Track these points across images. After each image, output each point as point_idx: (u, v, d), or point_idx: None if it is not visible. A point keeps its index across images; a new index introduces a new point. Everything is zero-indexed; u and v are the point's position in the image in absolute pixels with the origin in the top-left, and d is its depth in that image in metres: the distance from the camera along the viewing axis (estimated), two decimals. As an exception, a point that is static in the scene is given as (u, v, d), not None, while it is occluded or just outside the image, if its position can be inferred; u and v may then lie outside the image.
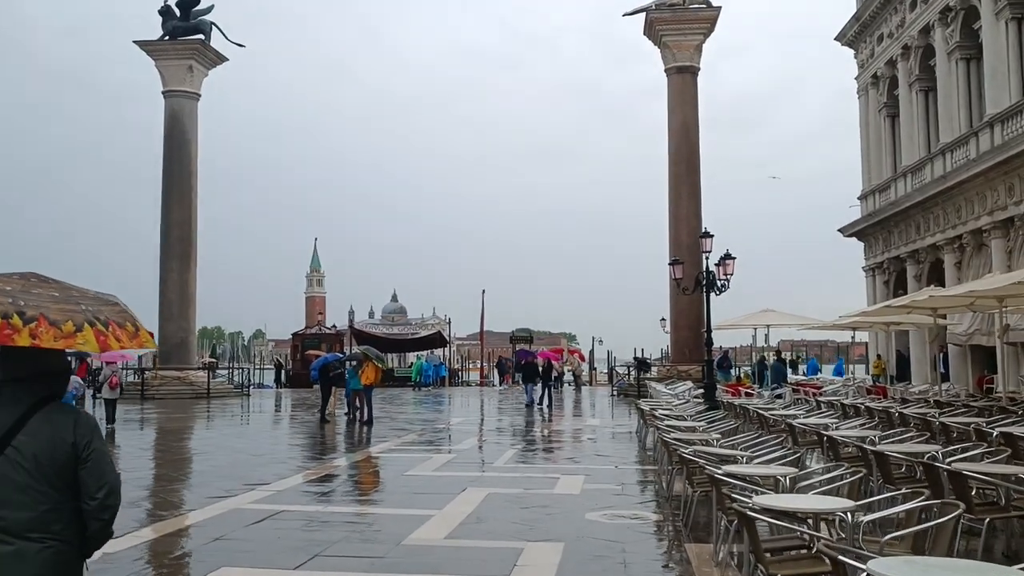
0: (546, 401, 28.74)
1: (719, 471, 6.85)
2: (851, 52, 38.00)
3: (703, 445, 9.98)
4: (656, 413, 14.22)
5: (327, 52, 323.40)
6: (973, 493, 6.63)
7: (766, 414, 13.81)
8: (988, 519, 6.20)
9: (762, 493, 5.99)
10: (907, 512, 5.12)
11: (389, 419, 23.23)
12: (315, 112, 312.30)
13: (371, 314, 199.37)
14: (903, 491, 5.69)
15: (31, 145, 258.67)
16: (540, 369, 29.31)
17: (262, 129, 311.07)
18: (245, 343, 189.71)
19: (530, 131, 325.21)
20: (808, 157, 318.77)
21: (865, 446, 8.54)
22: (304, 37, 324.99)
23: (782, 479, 6.79)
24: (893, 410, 14.13)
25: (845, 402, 16.64)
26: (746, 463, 8.19)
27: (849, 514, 4.94)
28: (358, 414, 21.71)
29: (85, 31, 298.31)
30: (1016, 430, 9.87)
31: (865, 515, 5.06)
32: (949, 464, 7.23)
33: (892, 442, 9.83)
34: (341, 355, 24.41)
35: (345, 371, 22.38)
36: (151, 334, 3.34)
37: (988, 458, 8.19)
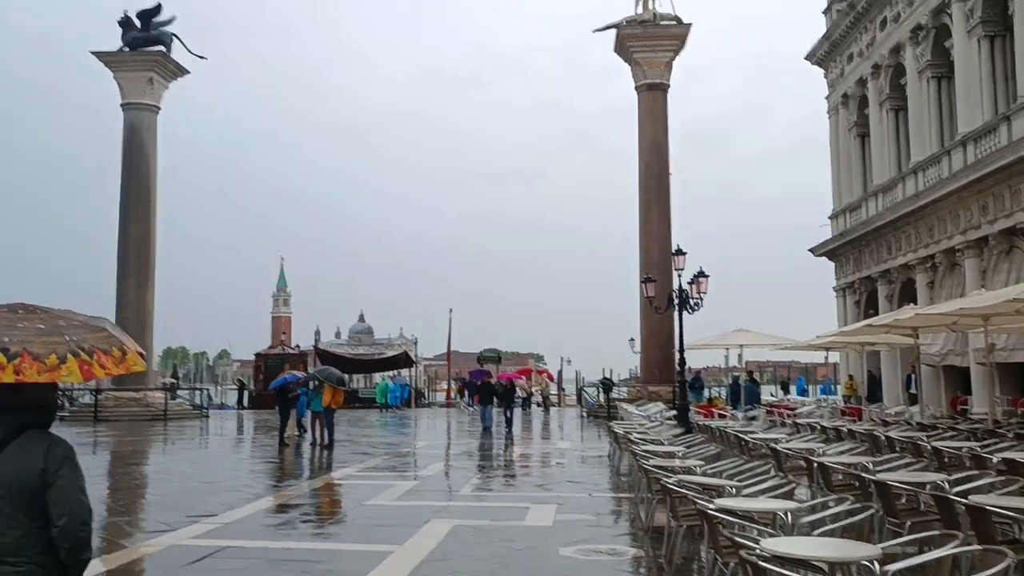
0: (506, 424, 26.58)
1: (711, 506, 6.13)
2: (821, 72, 37.90)
3: (685, 473, 9.27)
4: (632, 437, 13.48)
5: (297, 70, 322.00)
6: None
7: (747, 438, 13.13)
8: (1017, 561, 5.50)
9: (764, 533, 5.28)
10: (938, 559, 4.42)
11: (351, 443, 22.30)
12: (284, 130, 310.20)
13: (338, 334, 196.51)
14: (934, 532, 5.00)
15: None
16: (498, 390, 27.69)
17: (230, 147, 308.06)
18: (210, 363, 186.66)
19: (500, 150, 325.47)
20: (777, 177, 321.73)
21: (865, 475, 7.86)
22: (274, 55, 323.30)
23: (782, 515, 6.08)
24: (878, 433, 13.53)
25: (825, 424, 16.02)
26: (736, 494, 7.48)
27: (876, 563, 4.24)
28: (318, 437, 20.77)
29: (47, 41, 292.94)
30: (1018, 456, 9.26)
31: (893, 564, 4.34)
32: (961, 496, 6.56)
33: (886, 469, 9.18)
34: (300, 376, 23.43)
35: (300, 392, 21.45)
36: (142, 354, 3.30)
37: (996, 488, 7.54)
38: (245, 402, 45.16)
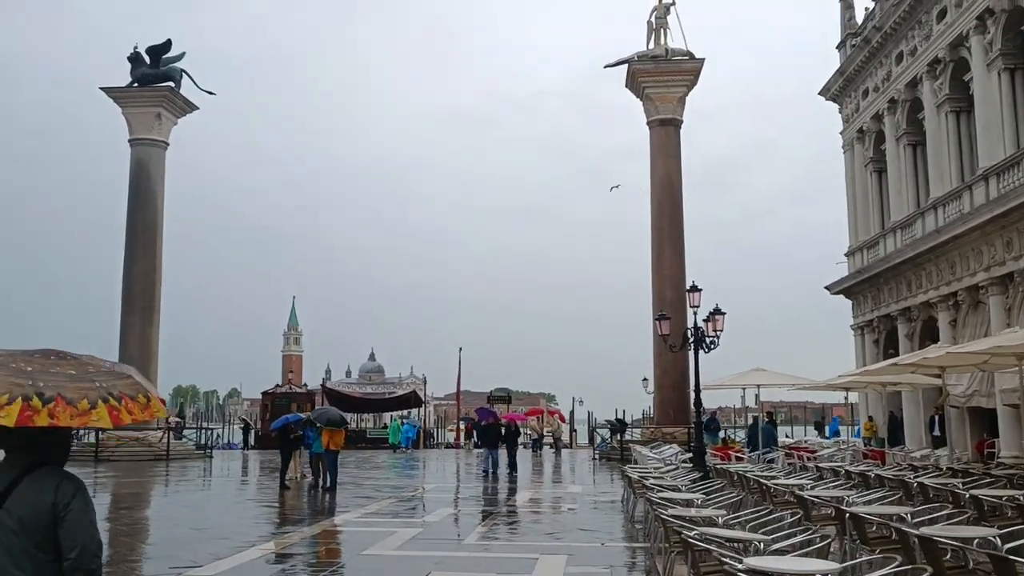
0: (507, 467, 24.67)
1: (740, 566, 5.42)
2: (833, 110, 37.46)
3: (705, 523, 8.54)
4: (647, 483, 12.71)
5: (307, 110, 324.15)
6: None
7: (769, 484, 12.34)
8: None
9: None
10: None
11: (355, 485, 21.55)
12: (296, 169, 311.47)
13: (348, 373, 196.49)
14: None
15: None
16: (503, 432, 25.71)
17: (245, 184, 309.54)
18: (220, 402, 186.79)
19: (512, 190, 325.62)
20: (789, 217, 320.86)
21: (907, 529, 7.11)
22: (285, 95, 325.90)
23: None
24: (908, 479, 12.73)
25: (851, 469, 15.20)
26: (764, 550, 6.75)
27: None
28: (320, 480, 20.05)
29: (60, 77, 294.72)
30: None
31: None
32: (1016, 552, 5.83)
33: (926, 521, 8.42)
34: (302, 416, 22.74)
35: (307, 433, 20.77)
36: (163, 401, 3.46)
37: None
38: (251, 441, 44.41)
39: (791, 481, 12.86)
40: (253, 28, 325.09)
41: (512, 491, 20.67)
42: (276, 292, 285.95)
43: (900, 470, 15.47)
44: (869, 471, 14.47)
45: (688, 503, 10.41)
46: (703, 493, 11.61)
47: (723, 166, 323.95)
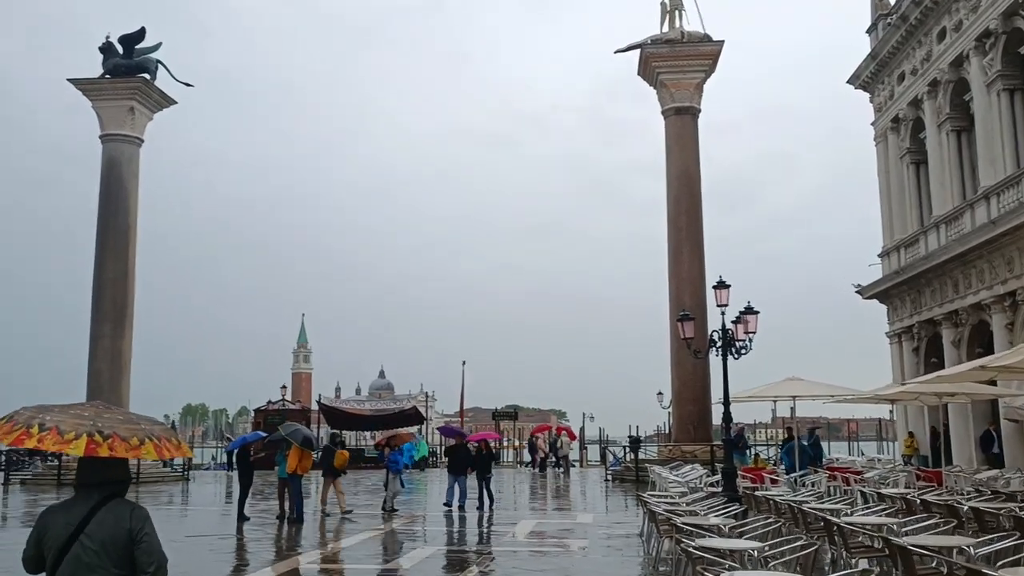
0: (479, 499, 20.00)
1: None
2: (847, 118, 34.56)
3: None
4: (676, 521, 9.67)
5: (319, 127, 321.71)
6: None
7: (838, 522, 9.29)
8: None
9: None
10: None
11: (330, 515, 18.53)
12: (306, 188, 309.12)
13: (358, 390, 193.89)
14: None
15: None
16: (472, 456, 20.58)
17: (253, 205, 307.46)
18: (230, 420, 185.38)
19: (521, 207, 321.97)
20: (807, 227, 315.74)
21: None
22: (297, 110, 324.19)
23: None
24: (1019, 513, 9.69)
25: (930, 499, 12.13)
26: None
27: None
28: (285, 509, 17.09)
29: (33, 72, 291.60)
30: None
31: None
32: None
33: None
34: (264, 434, 19.84)
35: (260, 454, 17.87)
36: (189, 446, 4.54)
37: None
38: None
39: (870, 520, 9.80)
40: (265, 50, 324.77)
41: (507, 523, 17.60)
42: (288, 311, 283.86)
43: (986, 499, 12.41)
44: (957, 502, 11.40)
45: (738, 555, 7.45)
46: (755, 536, 8.61)
47: (739, 178, 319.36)
